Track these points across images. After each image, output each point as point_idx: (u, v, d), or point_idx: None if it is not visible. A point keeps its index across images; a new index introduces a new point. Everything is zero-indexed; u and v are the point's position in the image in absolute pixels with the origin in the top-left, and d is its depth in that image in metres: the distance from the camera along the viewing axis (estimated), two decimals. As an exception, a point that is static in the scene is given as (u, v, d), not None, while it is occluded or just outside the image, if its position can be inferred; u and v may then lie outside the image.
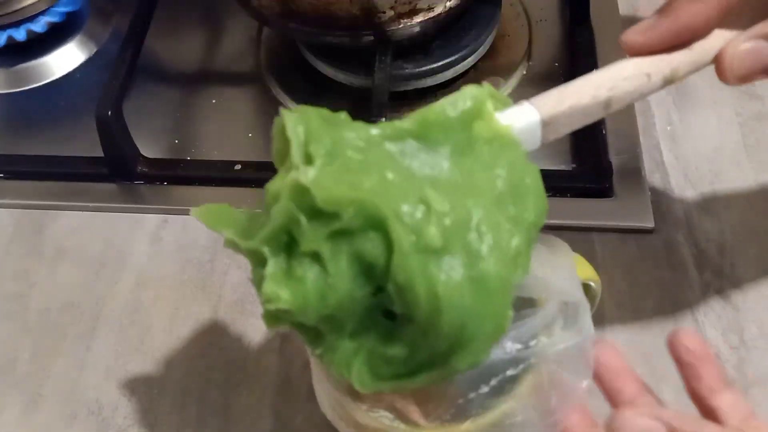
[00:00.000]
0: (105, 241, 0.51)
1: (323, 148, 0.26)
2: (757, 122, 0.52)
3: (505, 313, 0.27)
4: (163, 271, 0.49)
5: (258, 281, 0.28)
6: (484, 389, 0.30)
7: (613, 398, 0.32)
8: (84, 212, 0.52)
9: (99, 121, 0.50)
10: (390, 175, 0.26)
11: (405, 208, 0.25)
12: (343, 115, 0.29)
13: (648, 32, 0.29)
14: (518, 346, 0.30)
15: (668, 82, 0.29)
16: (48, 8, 0.60)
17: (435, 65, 0.54)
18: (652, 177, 0.50)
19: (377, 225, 0.26)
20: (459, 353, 0.27)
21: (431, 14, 0.51)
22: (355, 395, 0.32)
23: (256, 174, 0.53)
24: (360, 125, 0.28)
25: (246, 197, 0.52)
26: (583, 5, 0.57)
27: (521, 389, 0.31)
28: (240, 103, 0.58)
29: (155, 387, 0.44)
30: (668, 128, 0.53)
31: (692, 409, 0.31)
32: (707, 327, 0.44)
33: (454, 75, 0.55)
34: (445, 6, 0.51)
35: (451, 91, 0.55)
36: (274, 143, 0.28)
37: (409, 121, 0.28)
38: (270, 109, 0.57)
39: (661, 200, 0.49)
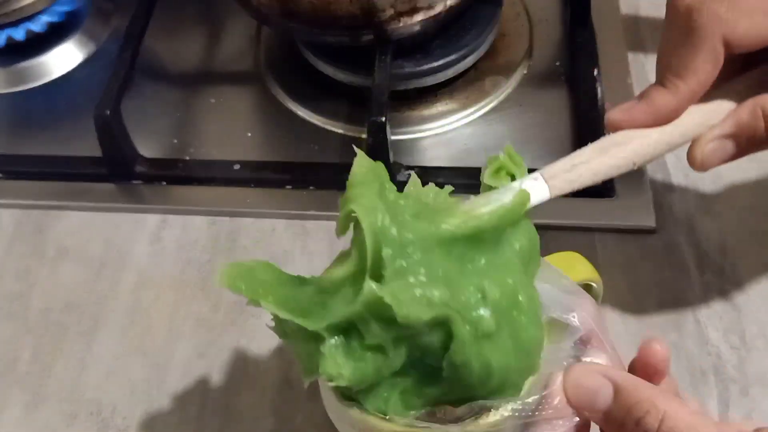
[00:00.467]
0: (105, 241, 0.51)
1: (393, 252, 0.28)
2: (758, 122, 0.52)
3: (539, 361, 0.30)
4: (163, 271, 0.49)
5: (305, 351, 0.29)
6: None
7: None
8: (84, 212, 0.52)
9: (98, 120, 0.50)
10: (451, 275, 0.28)
11: (467, 304, 0.28)
12: (393, 195, 0.30)
13: (627, 113, 0.33)
14: None
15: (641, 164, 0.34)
16: (47, 7, 0.60)
17: (435, 64, 0.54)
18: (654, 177, 0.50)
19: (443, 322, 0.28)
20: (496, 394, 0.30)
21: (431, 13, 0.51)
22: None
23: (256, 173, 0.53)
24: (414, 224, 0.29)
25: (245, 197, 0.52)
26: (584, 5, 0.57)
27: (523, 391, 0.31)
28: (239, 102, 0.58)
29: (155, 387, 0.44)
30: (669, 128, 0.52)
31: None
32: (708, 327, 0.44)
33: (455, 74, 0.55)
34: (446, 5, 0.51)
35: (451, 91, 0.56)
36: (341, 212, 0.29)
37: (461, 227, 0.29)
38: (269, 108, 0.57)
39: (662, 200, 0.49)
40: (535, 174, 0.31)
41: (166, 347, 0.46)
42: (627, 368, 0.32)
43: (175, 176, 0.53)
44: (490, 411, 0.30)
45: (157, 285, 0.48)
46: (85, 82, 0.60)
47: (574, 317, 0.32)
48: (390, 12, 0.50)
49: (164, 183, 0.53)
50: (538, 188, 0.30)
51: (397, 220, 0.28)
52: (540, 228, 0.32)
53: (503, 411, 0.30)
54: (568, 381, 0.30)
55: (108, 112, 0.50)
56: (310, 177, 0.52)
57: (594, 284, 0.38)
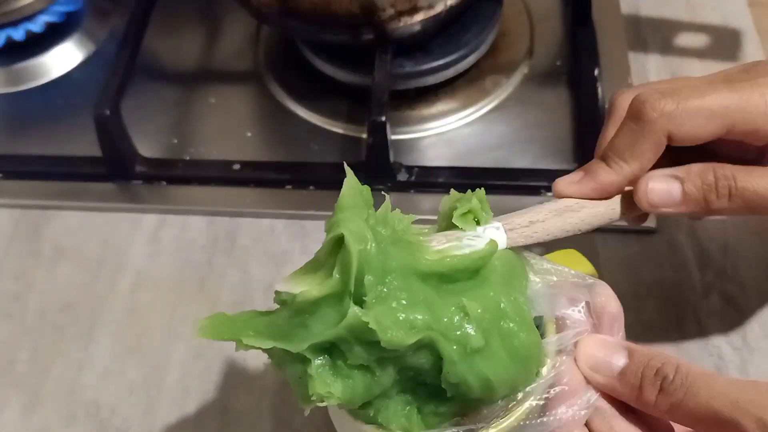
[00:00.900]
0: (103, 241, 0.51)
1: (375, 279, 0.28)
2: (759, 121, 0.52)
3: (543, 361, 0.31)
4: (162, 271, 0.49)
5: (294, 375, 0.29)
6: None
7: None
8: (82, 212, 0.52)
9: (97, 120, 0.50)
10: (430, 300, 0.29)
11: (449, 325, 0.29)
12: (374, 221, 0.30)
13: (575, 186, 0.36)
14: None
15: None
16: (46, 7, 0.60)
17: (435, 64, 0.53)
18: (654, 176, 0.50)
19: (427, 346, 0.28)
20: (508, 398, 0.31)
21: (432, 12, 0.51)
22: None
23: (255, 173, 0.52)
24: (394, 253, 0.29)
25: (244, 197, 0.52)
26: (584, 4, 0.57)
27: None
28: (239, 102, 0.58)
29: (153, 388, 0.44)
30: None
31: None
32: (710, 328, 0.44)
33: (455, 74, 0.55)
34: (446, 4, 0.51)
35: (451, 90, 0.56)
36: (329, 234, 0.29)
37: (438, 265, 0.30)
38: (269, 108, 0.57)
39: (663, 200, 0.49)
40: (497, 224, 0.33)
41: (164, 348, 0.46)
42: None
43: (175, 176, 0.53)
44: (510, 408, 0.31)
45: (156, 285, 0.48)
46: (84, 82, 0.60)
47: (580, 310, 0.32)
48: (390, 11, 0.50)
49: (163, 183, 0.53)
50: (497, 236, 0.32)
51: (380, 248, 0.29)
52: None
53: (523, 402, 0.31)
54: (581, 351, 0.32)
55: (107, 112, 0.50)
56: (309, 177, 0.52)
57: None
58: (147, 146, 0.54)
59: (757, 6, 0.59)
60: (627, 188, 0.36)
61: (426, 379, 0.30)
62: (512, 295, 0.30)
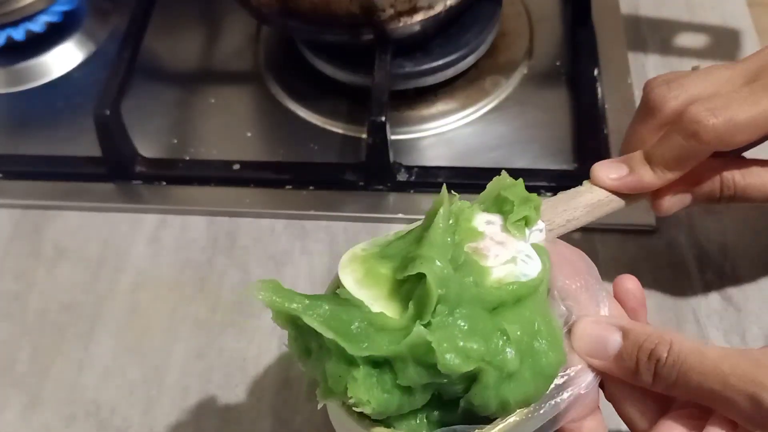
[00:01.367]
0: (103, 242, 0.51)
1: (447, 309, 0.29)
2: (759, 121, 0.52)
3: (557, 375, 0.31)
4: (162, 271, 0.49)
5: (333, 372, 0.29)
6: None
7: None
8: (82, 212, 0.52)
9: (97, 120, 0.50)
10: (483, 325, 0.29)
11: (494, 351, 0.29)
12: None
13: (615, 183, 0.38)
14: None
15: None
16: (46, 7, 0.60)
17: (435, 64, 0.53)
18: (654, 176, 0.50)
19: (472, 374, 0.29)
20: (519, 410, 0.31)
21: (431, 13, 0.51)
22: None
23: (255, 173, 0.52)
24: (464, 284, 0.30)
25: (244, 197, 0.52)
26: (584, 4, 0.57)
27: None
28: (239, 102, 0.58)
29: (154, 388, 0.44)
30: (670, 127, 0.52)
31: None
32: (709, 327, 0.44)
33: (455, 74, 0.55)
34: (446, 4, 0.51)
35: (451, 90, 0.56)
36: (411, 266, 0.30)
37: (503, 293, 0.31)
38: (269, 108, 0.57)
39: (662, 200, 0.49)
40: (541, 225, 0.34)
41: (164, 348, 0.46)
42: None
43: (175, 176, 0.53)
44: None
45: (156, 285, 0.48)
46: (84, 82, 0.60)
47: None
48: (390, 11, 0.50)
49: (163, 183, 0.53)
50: (539, 238, 0.34)
51: (455, 285, 0.30)
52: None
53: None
54: (576, 335, 0.32)
55: (107, 112, 0.50)
56: (309, 177, 0.52)
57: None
58: (147, 146, 0.54)
59: (756, 6, 0.60)
60: None
61: (445, 396, 0.30)
62: (545, 313, 0.31)
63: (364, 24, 0.50)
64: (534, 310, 0.31)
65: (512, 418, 0.30)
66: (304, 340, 0.31)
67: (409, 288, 0.30)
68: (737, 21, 0.58)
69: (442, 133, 0.54)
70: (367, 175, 0.51)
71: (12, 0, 0.59)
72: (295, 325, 0.30)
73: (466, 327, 0.29)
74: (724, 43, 0.57)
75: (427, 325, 0.29)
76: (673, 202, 0.40)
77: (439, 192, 0.50)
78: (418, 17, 0.50)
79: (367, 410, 0.29)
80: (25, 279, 0.49)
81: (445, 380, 0.29)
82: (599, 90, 0.53)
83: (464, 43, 0.54)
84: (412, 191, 0.51)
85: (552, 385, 0.31)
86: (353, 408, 0.29)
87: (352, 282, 0.31)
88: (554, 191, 0.49)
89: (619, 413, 0.33)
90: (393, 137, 0.53)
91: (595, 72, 0.54)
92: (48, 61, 0.61)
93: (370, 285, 0.30)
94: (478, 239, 0.32)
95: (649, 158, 0.38)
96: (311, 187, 0.52)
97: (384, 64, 0.51)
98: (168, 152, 0.55)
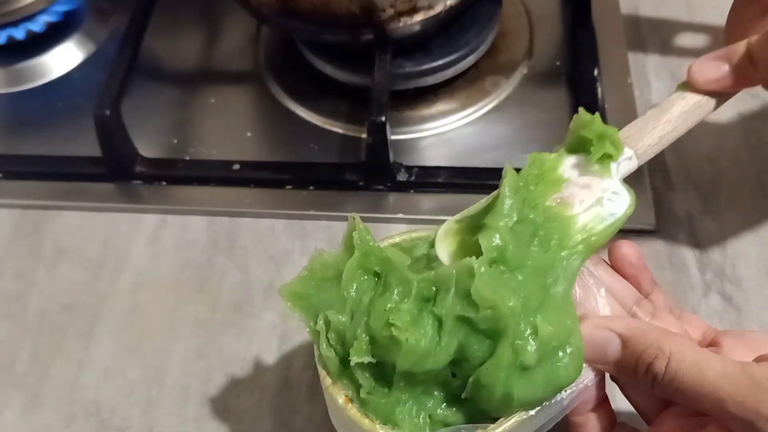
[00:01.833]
0: (103, 242, 0.51)
1: (503, 264, 0.31)
2: (758, 122, 0.52)
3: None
4: (162, 271, 0.49)
5: (380, 308, 0.31)
6: None
7: (636, 288, 0.35)
8: (82, 212, 0.52)
9: (97, 120, 0.50)
10: (521, 298, 0.30)
11: (520, 332, 0.30)
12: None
13: (718, 83, 0.35)
14: None
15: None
16: (47, 7, 0.60)
17: (435, 64, 0.53)
18: (654, 177, 0.50)
19: (494, 336, 0.30)
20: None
21: (431, 13, 0.51)
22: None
23: (255, 173, 0.52)
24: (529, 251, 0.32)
25: (244, 197, 0.52)
26: (584, 4, 0.57)
27: None
28: (239, 102, 0.58)
29: (154, 388, 0.44)
30: (669, 127, 0.52)
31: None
32: (709, 327, 0.44)
33: (455, 74, 0.55)
34: (446, 4, 0.51)
35: (451, 90, 0.56)
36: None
37: (581, 248, 0.32)
38: (269, 108, 0.57)
39: (662, 200, 0.49)
40: (629, 152, 0.33)
41: (164, 348, 0.46)
42: None
43: (175, 176, 0.53)
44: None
45: (156, 285, 0.48)
46: (84, 82, 0.60)
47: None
48: (390, 11, 0.50)
49: (164, 183, 0.53)
50: (630, 166, 0.33)
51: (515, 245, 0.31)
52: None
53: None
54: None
55: (107, 112, 0.50)
56: (309, 177, 0.52)
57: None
58: (147, 146, 0.54)
59: (756, 6, 0.59)
60: None
61: (448, 387, 0.31)
62: (576, 321, 0.31)
63: (364, 24, 0.50)
64: (575, 322, 0.31)
65: (515, 418, 0.30)
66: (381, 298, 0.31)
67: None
68: (737, 21, 0.58)
69: (442, 133, 0.54)
70: (367, 175, 0.51)
71: (12, 0, 0.59)
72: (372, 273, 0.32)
73: (513, 284, 0.30)
74: (724, 43, 0.57)
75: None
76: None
77: (439, 192, 0.51)
78: (418, 17, 0.50)
79: (402, 336, 0.29)
80: (25, 279, 0.49)
81: (472, 317, 0.29)
82: (599, 90, 0.53)
83: (464, 43, 0.54)
84: (412, 191, 0.51)
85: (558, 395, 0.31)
86: (393, 331, 0.29)
87: (446, 256, 0.32)
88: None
89: (626, 397, 0.33)
90: (393, 137, 0.53)
91: (595, 72, 0.54)
92: (48, 61, 0.61)
93: (461, 257, 0.31)
94: (562, 188, 0.33)
95: (753, 54, 0.34)
96: (311, 187, 0.52)
97: (384, 64, 0.51)
98: (168, 152, 0.55)
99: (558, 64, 0.57)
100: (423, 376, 0.31)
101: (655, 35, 0.58)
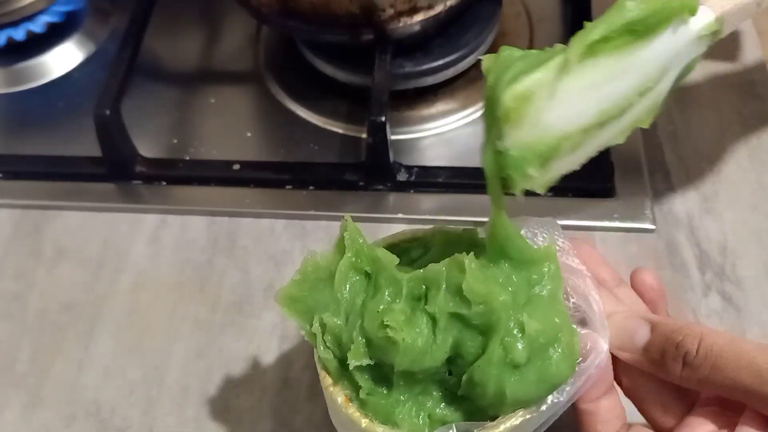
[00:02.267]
0: (103, 242, 0.51)
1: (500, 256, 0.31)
2: (758, 122, 0.52)
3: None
4: (162, 271, 0.49)
5: (373, 309, 0.31)
6: None
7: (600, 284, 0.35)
8: (82, 212, 0.52)
9: (97, 120, 0.50)
10: (511, 294, 0.30)
11: (509, 329, 0.30)
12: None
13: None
14: None
15: None
16: (47, 7, 0.60)
17: (435, 64, 0.53)
18: (654, 177, 0.50)
19: (486, 331, 0.30)
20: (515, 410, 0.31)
21: (431, 13, 0.51)
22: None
23: (255, 173, 0.52)
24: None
25: (244, 197, 0.52)
26: (584, 4, 0.57)
27: None
28: (239, 102, 0.58)
29: (154, 388, 0.44)
30: (670, 128, 0.52)
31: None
32: (709, 327, 0.44)
33: (455, 74, 0.55)
34: (446, 4, 0.51)
35: (451, 90, 0.56)
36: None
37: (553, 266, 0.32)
38: (269, 108, 0.57)
39: (662, 200, 0.49)
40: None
41: (164, 348, 0.46)
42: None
43: (175, 176, 0.53)
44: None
45: (156, 285, 0.48)
46: (84, 82, 0.60)
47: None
48: (390, 11, 0.50)
49: (164, 183, 0.53)
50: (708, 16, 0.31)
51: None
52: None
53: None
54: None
55: (107, 112, 0.50)
56: (309, 177, 0.52)
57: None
58: (147, 146, 0.54)
59: (756, 6, 0.59)
60: None
61: (445, 386, 0.31)
62: (568, 319, 0.31)
63: (364, 24, 0.50)
64: (564, 318, 0.31)
65: (517, 418, 0.30)
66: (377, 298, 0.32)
67: None
68: (737, 21, 0.58)
69: (442, 133, 0.54)
70: (367, 175, 0.51)
71: (12, 0, 0.59)
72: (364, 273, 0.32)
73: (500, 279, 0.31)
74: (724, 43, 0.57)
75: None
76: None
77: (439, 192, 0.51)
78: (418, 17, 0.50)
79: (397, 336, 0.29)
80: (25, 279, 0.49)
81: (465, 314, 0.30)
82: (599, 90, 0.53)
83: (464, 43, 0.54)
84: (412, 191, 0.51)
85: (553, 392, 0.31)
86: (388, 332, 0.30)
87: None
88: (554, 192, 0.49)
89: (640, 411, 0.33)
90: (393, 137, 0.53)
91: (595, 72, 0.54)
92: (48, 61, 0.61)
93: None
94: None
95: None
96: (311, 187, 0.52)
97: (384, 64, 0.51)
98: (168, 152, 0.55)
99: (558, 64, 0.57)
100: (421, 375, 0.31)
101: (655, 35, 0.58)
